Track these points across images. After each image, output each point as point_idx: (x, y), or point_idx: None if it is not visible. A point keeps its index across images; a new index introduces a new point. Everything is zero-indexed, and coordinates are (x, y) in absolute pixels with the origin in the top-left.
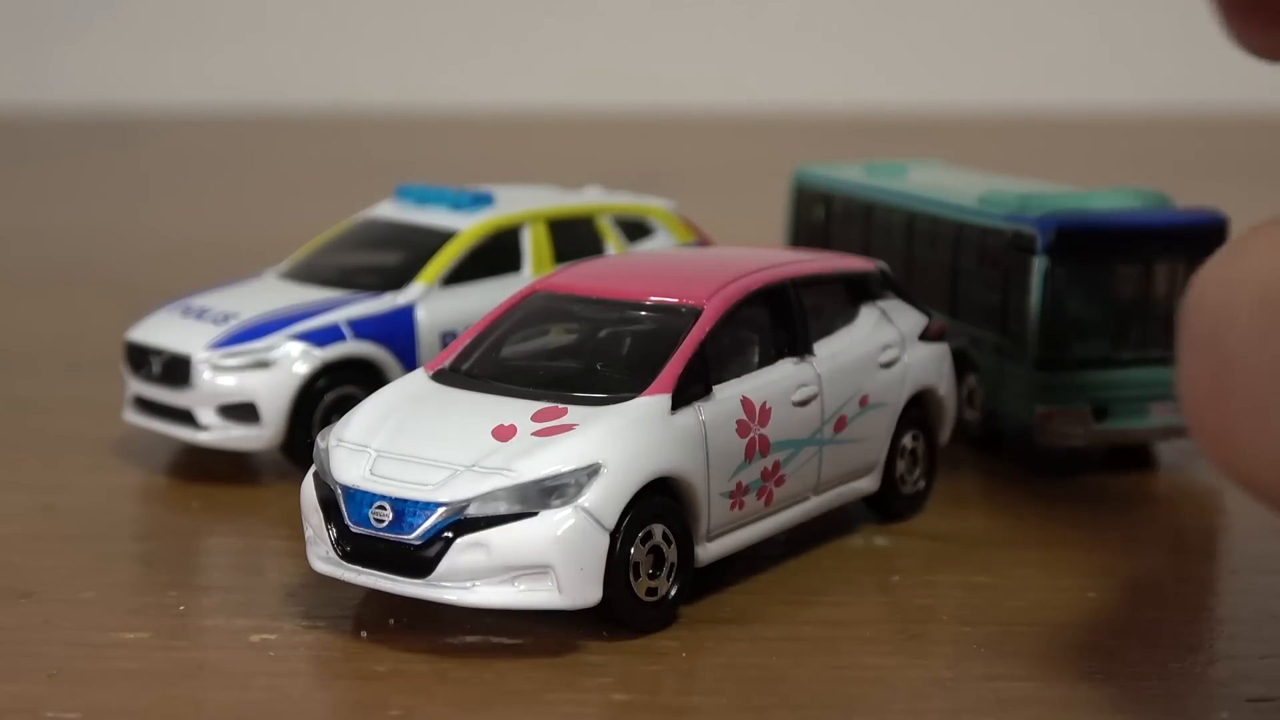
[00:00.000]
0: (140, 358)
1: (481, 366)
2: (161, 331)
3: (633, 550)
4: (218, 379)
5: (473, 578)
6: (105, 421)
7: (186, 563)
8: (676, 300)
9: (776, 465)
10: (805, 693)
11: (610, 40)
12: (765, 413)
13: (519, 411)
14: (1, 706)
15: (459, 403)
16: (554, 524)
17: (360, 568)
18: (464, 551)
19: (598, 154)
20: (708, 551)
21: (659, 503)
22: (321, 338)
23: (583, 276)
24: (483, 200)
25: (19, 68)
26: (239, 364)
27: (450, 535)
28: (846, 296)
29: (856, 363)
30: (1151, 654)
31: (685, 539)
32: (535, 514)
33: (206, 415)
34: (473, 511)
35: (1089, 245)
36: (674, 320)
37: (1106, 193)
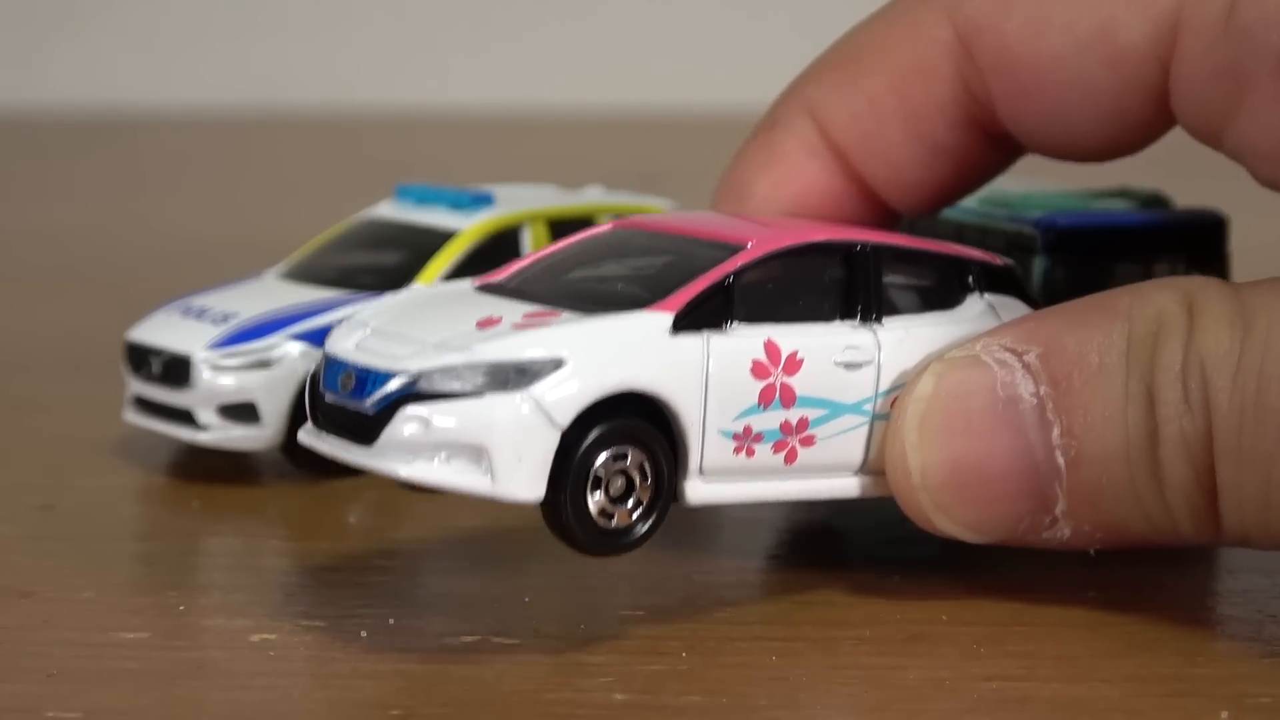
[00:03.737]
0: (140, 358)
1: (524, 282)
2: (161, 331)
3: (599, 460)
4: (218, 379)
5: (411, 451)
6: (105, 421)
7: (186, 563)
8: (728, 238)
9: (804, 422)
10: (805, 693)
11: (610, 40)
12: (794, 362)
13: (516, 309)
14: (1, 706)
15: (475, 302)
16: (496, 407)
17: (326, 434)
18: (405, 423)
19: (598, 154)
20: (698, 491)
21: (641, 427)
22: (321, 338)
23: (663, 219)
24: (483, 200)
25: (17, 67)
26: (239, 364)
27: (399, 401)
28: (957, 283)
29: (936, 346)
30: (1152, 654)
31: (667, 478)
32: (481, 395)
33: (206, 415)
34: (423, 386)
35: (1088, 245)
36: (715, 254)
37: (1106, 193)
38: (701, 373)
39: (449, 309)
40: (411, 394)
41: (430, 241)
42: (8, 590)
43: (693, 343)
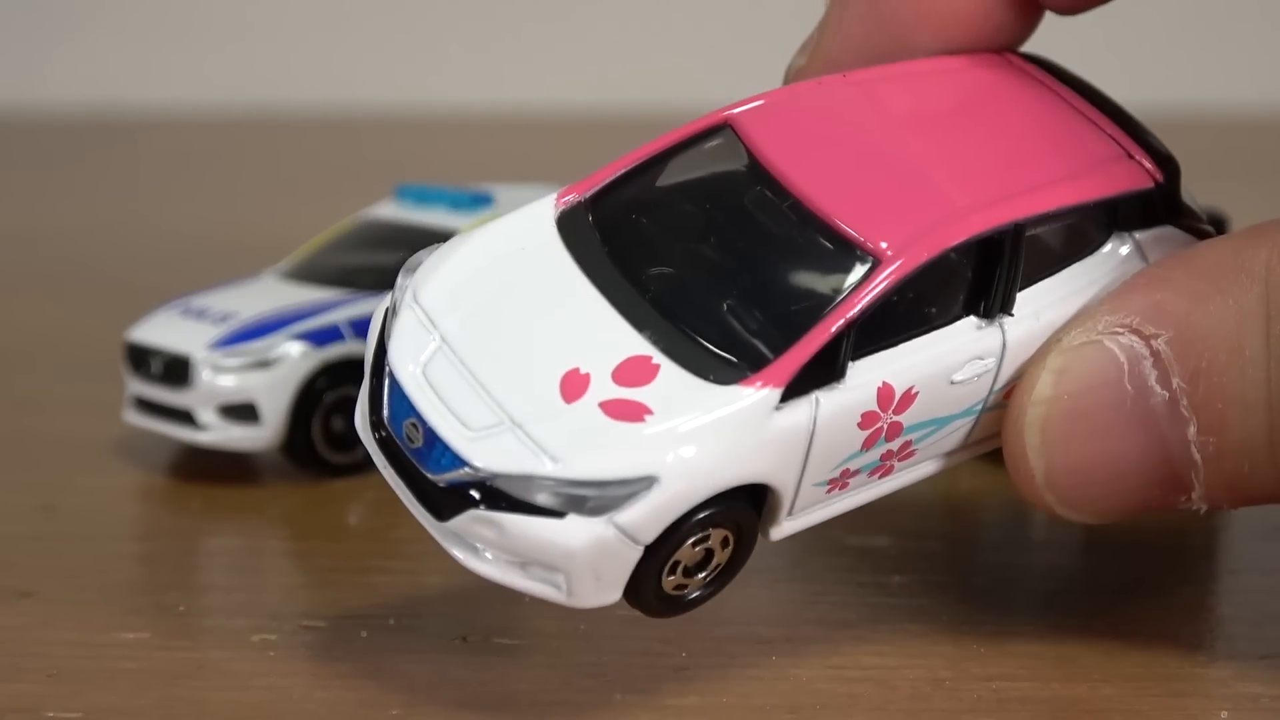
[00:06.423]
0: (140, 358)
1: (613, 217)
2: (161, 331)
3: (680, 550)
4: (218, 379)
5: (484, 545)
6: (105, 421)
7: (186, 563)
8: (859, 239)
9: (907, 445)
10: (805, 693)
11: (611, 40)
12: (908, 399)
13: (604, 354)
14: (2, 706)
15: (552, 296)
16: (577, 534)
17: (387, 463)
18: (477, 523)
19: (597, 154)
20: (783, 530)
21: (730, 509)
22: (321, 338)
23: (780, 135)
24: (483, 200)
25: (17, 68)
26: (239, 364)
27: (473, 495)
28: (1102, 223)
29: (1064, 320)
30: (1151, 654)
31: (747, 541)
32: (562, 515)
33: (206, 415)
34: (499, 486)
35: None
36: (841, 266)
37: None
38: (806, 442)
39: (527, 326)
40: (486, 489)
41: (430, 242)
42: (8, 590)
43: (800, 412)
